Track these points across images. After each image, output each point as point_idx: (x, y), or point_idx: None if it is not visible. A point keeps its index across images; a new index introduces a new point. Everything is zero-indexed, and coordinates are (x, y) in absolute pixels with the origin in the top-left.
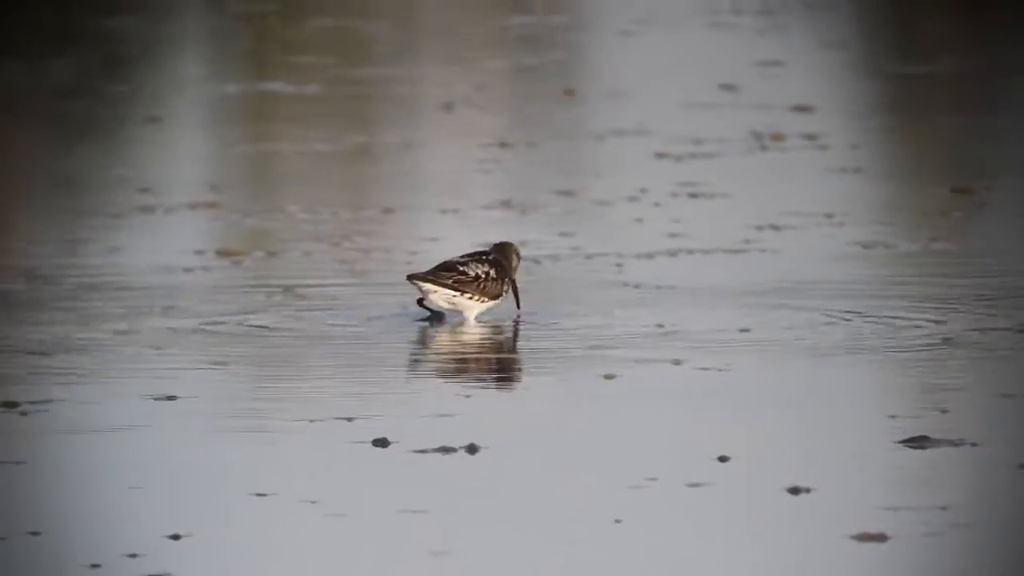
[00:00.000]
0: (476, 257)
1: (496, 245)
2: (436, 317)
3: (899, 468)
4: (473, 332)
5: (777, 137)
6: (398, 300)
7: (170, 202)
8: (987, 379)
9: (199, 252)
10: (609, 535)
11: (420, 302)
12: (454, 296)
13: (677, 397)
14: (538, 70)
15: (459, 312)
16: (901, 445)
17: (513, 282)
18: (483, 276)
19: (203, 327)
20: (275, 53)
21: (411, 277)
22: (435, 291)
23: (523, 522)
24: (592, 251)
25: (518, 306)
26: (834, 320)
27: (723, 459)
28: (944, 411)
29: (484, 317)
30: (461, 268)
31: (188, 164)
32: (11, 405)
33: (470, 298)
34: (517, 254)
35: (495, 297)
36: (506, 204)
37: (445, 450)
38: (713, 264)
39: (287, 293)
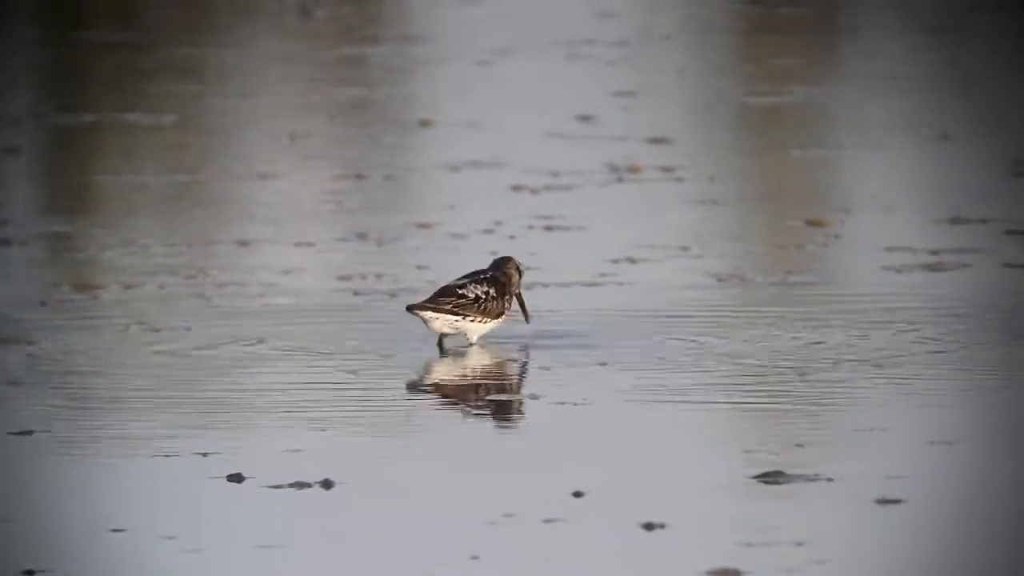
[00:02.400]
0: (473, 277)
1: (496, 261)
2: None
3: (754, 503)
4: (329, 366)
5: (634, 169)
6: (254, 333)
7: (26, 234)
8: (842, 413)
9: (55, 285)
10: (466, 571)
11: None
12: (456, 321)
13: (533, 432)
14: (393, 100)
15: (463, 336)
16: (756, 480)
17: (519, 296)
18: (483, 296)
19: (59, 360)
20: (131, 83)
21: (411, 307)
22: (437, 318)
23: (379, 558)
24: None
25: (527, 320)
26: (690, 354)
27: (578, 495)
28: (799, 446)
29: (488, 339)
30: (460, 292)
31: (45, 196)
32: None
33: (472, 320)
34: (518, 269)
35: (497, 316)
36: (362, 236)
37: (300, 485)
38: (569, 297)
39: (143, 327)
